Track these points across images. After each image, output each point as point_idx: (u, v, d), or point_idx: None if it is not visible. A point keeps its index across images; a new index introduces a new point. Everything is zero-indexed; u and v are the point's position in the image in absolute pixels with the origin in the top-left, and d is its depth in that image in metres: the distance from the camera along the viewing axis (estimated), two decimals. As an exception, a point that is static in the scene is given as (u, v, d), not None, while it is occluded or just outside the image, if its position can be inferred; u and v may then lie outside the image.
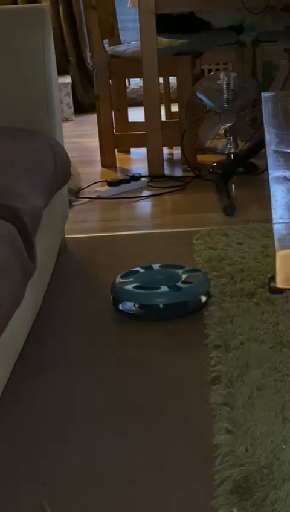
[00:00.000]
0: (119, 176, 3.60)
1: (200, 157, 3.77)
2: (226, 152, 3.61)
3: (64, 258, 2.59)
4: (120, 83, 4.24)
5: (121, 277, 2.23)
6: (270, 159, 1.44)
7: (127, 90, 4.71)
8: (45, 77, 2.40)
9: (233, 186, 3.40)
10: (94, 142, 4.16)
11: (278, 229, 1.07)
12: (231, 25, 3.91)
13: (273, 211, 1.15)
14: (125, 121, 4.26)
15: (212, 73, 4.29)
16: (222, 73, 3.59)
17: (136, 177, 3.48)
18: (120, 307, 2.17)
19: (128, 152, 4.17)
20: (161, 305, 2.13)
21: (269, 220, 1.13)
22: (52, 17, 5.23)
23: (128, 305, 2.17)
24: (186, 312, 2.13)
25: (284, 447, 1.46)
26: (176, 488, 1.41)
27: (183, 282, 2.18)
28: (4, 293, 1.41)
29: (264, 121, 1.80)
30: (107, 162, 3.89)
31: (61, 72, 5.00)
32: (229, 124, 3.54)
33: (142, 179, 3.51)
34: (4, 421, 1.67)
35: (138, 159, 4.01)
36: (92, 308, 2.22)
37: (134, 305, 2.17)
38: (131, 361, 1.90)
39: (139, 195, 3.38)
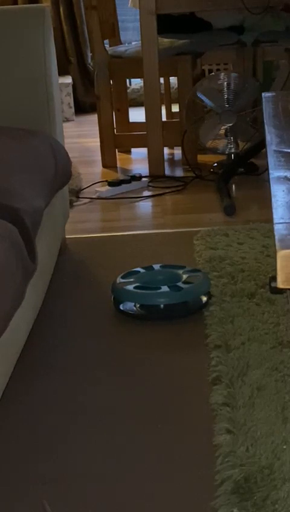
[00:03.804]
0: (120, 176, 3.60)
1: (201, 158, 3.77)
2: (226, 152, 3.61)
3: (65, 258, 2.59)
4: (121, 83, 4.24)
5: (122, 277, 2.23)
6: (271, 159, 1.44)
7: (128, 91, 4.71)
8: (46, 77, 2.40)
9: (233, 186, 3.40)
10: (95, 142, 4.16)
11: (278, 229, 1.07)
12: (232, 25, 3.91)
13: (274, 211, 1.15)
14: (126, 121, 4.26)
15: (212, 73, 4.29)
16: (222, 74, 3.60)
17: (136, 177, 3.48)
18: (121, 307, 2.17)
19: (128, 152, 4.16)
20: (162, 305, 2.13)
21: (269, 220, 1.13)
22: (52, 17, 5.23)
23: (129, 305, 2.17)
24: (187, 312, 2.13)
25: (284, 447, 1.46)
26: (176, 488, 1.41)
27: (184, 282, 2.18)
28: (4, 293, 1.41)
29: (264, 121, 1.80)
30: (108, 162, 3.89)
31: (62, 72, 5.00)
32: (230, 124, 3.54)
33: (143, 179, 3.51)
34: (4, 421, 1.67)
35: (138, 159, 4.01)
36: (93, 308, 2.22)
37: (135, 305, 2.17)
38: (131, 361, 1.90)
39: (140, 195, 3.38)
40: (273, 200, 1.20)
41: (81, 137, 4.73)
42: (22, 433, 1.63)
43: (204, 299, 2.16)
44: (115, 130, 3.98)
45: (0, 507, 1.39)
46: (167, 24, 3.72)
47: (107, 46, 4.03)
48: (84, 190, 3.47)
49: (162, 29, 3.57)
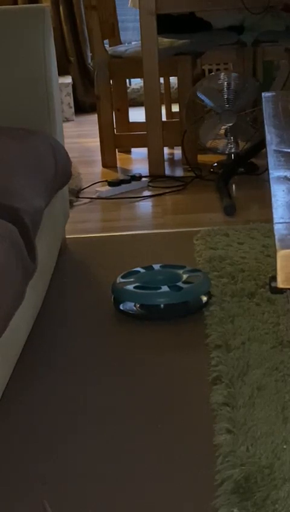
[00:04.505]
0: (120, 176, 3.60)
1: (201, 157, 3.77)
2: (226, 152, 3.61)
3: (65, 258, 2.59)
4: (121, 83, 4.24)
5: (122, 277, 2.23)
6: (271, 159, 1.44)
7: (128, 91, 4.71)
8: (45, 77, 2.40)
9: (234, 186, 3.40)
10: (95, 142, 4.16)
11: (278, 229, 1.07)
12: (232, 25, 3.90)
13: (274, 211, 1.15)
14: (126, 121, 4.26)
15: (212, 73, 4.29)
16: (222, 74, 3.60)
17: (136, 177, 3.48)
18: (121, 307, 2.17)
19: (128, 152, 4.16)
20: (162, 305, 2.13)
21: (269, 220, 1.13)
22: (52, 17, 5.23)
23: (129, 305, 2.17)
24: (187, 312, 2.13)
25: (284, 447, 1.46)
26: (176, 487, 1.41)
27: (184, 282, 2.17)
28: (4, 294, 1.41)
29: (264, 121, 1.80)
30: (108, 162, 3.89)
31: (62, 72, 5.00)
32: (230, 124, 3.54)
33: (143, 179, 3.51)
34: (4, 421, 1.67)
35: (138, 159, 4.01)
36: (93, 308, 2.22)
37: (135, 305, 2.17)
38: (131, 361, 1.90)
39: (140, 195, 3.37)
40: (273, 200, 1.20)
41: (81, 137, 4.73)
42: (22, 433, 1.63)
43: (204, 299, 2.16)
44: (115, 130, 3.98)
45: (0, 507, 1.39)
46: (167, 24, 3.72)
47: (107, 46, 4.03)
48: (84, 190, 3.47)
49: (162, 29, 3.57)
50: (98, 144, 3.93)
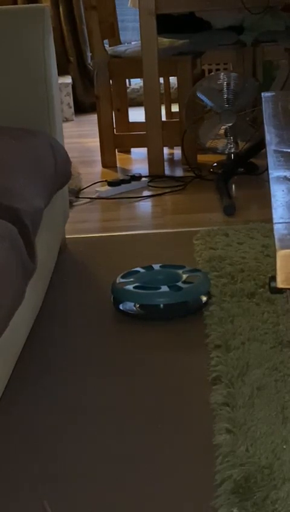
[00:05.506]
0: (120, 176, 3.61)
1: (201, 157, 3.77)
2: (226, 152, 3.61)
3: (65, 258, 2.59)
4: (120, 83, 4.24)
5: (122, 277, 2.23)
6: (271, 159, 1.44)
7: (128, 90, 4.71)
8: (45, 77, 2.40)
9: (233, 186, 3.40)
10: (94, 142, 4.16)
11: (278, 228, 1.07)
12: (231, 25, 3.91)
13: (273, 211, 1.15)
14: (126, 121, 4.27)
15: (212, 73, 4.29)
16: (222, 73, 3.60)
17: (136, 177, 3.48)
18: (121, 307, 2.17)
19: (128, 152, 4.17)
20: (162, 305, 2.13)
21: (269, 220, 1.13)
22: (52, 17, 5.23)
23: (128, 305, 2.17)
24: (187, 312, 2.13)
25: (284, 447, 1.46)
26: (176, 488, 1.41)
27: (184, 282, 2.18)
28: (4, 293, 1.41)
29: (264, 121, 1.80)
30: (108, 162, 3.90)
31: (62, 72, 5.01)
32: (230, 124, 3.54)
33: (143, 179, 3.51)
34: (4, 421, 1.67)
35: (138, 159, 4.02)
36: (93, 308, 2.22)
37: (134, 305, 2.17)
38: (131, 361, 1.90)
39: (140, 195, 3.38)
40: (273, 199, 1.20)
41: (81, 137, 4.73)
42: (22, 433, 1.63)
43: (204, 299, 2.16)
44: (115, 130, 3.98)
45: (0, 507, 1.39)
46: (166, 24, 3.72)
47: (107, 46, 4.03)
48: (84, 190, 3.47)
49: (162, 29, 3.57)
50: (98, 144, 3.94)
